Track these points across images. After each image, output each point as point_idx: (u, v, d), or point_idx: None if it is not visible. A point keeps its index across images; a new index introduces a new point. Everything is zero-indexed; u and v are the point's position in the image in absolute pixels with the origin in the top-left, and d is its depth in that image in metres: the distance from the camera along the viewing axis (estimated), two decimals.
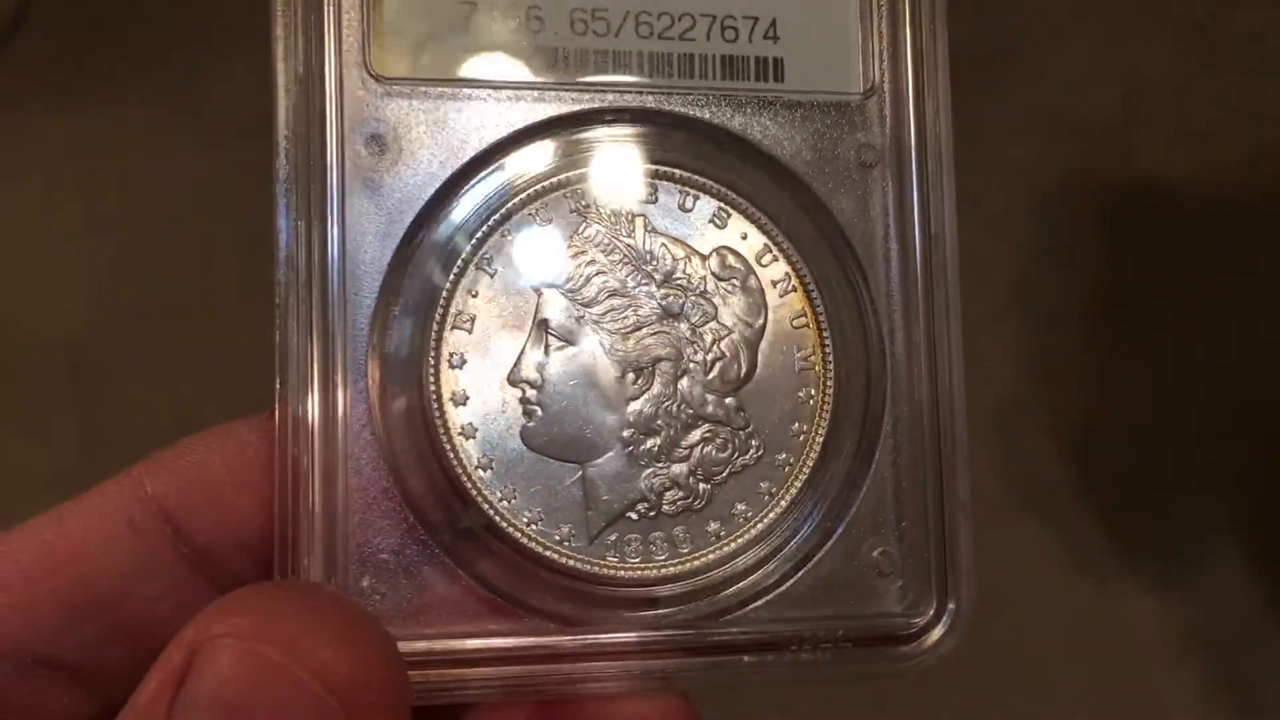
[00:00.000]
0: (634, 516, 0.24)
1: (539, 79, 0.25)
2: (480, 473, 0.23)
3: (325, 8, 0.23)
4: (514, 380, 0.24)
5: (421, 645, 0.23)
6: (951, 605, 0.25)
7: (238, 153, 0.60)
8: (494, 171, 0.24)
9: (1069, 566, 0.77)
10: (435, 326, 0.23)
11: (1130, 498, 0.79)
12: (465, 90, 0.24)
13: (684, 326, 0.24)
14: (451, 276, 0.24)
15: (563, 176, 0.24)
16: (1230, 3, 0.86)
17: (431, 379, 0.23)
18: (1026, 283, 0.81)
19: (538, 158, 0.24)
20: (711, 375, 0.24)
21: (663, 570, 0.24)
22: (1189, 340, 0.81)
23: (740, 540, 0.24)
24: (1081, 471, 0.78)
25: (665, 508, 0.24)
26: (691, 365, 0.24)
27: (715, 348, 0.25)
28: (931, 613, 0.25)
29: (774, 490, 0.25)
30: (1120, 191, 0.82)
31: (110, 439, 0.73)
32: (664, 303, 0.24)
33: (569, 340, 0.24)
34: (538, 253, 0.24)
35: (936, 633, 0.25)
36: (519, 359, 0.24)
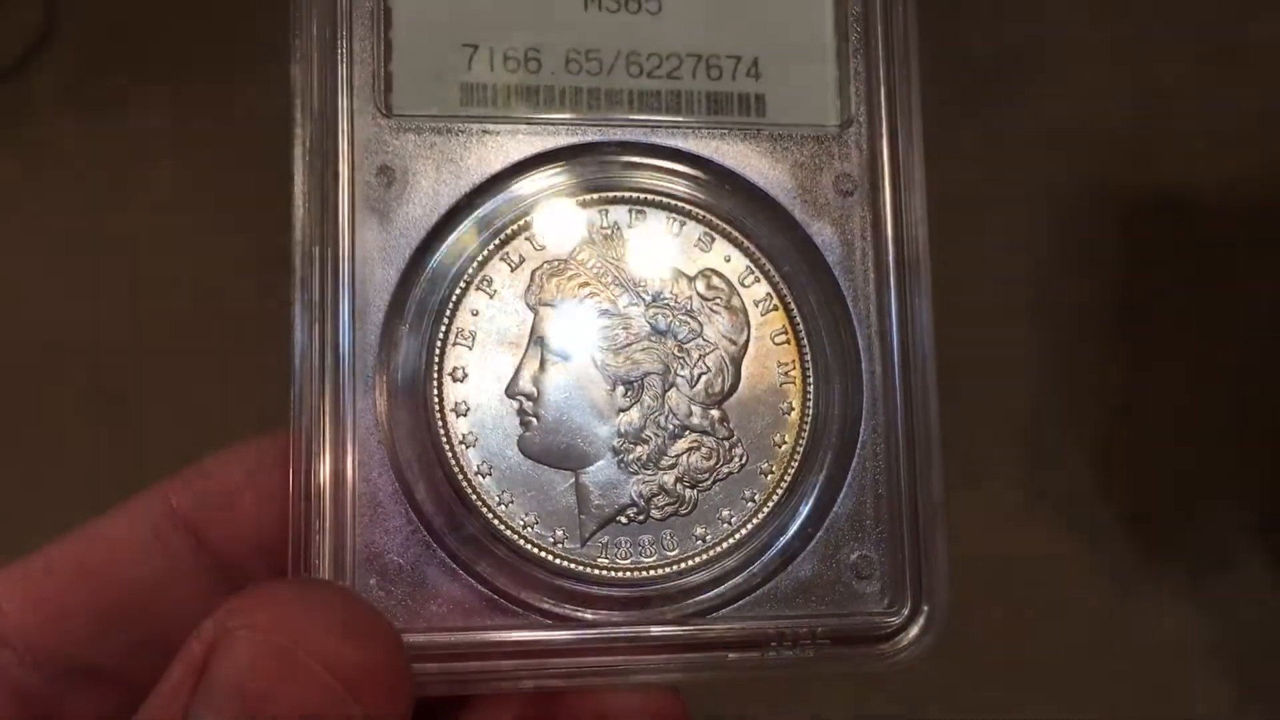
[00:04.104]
0: (624, 521, 0.25)
1: (536, 115, 0.26)
2: (480, 479, 0.25)
3: (339, 50, 0.25)
4: (512, 393, 0.25)
5: (424, 639, 0.24)
6: (927, 605, 0.26)
7: (262, 166, 0.61)
8: (493, 200, 0.26)
9: (1093, 573, 0.76)
10: (439, 343, 0.25)
11: (1154, 504, 0.78)
12: (467, 125, 0.26)
13: (671, 343, 0.26)
14: (454, 296, 0.25)
15: (558, 204, 0.26)
16: (1249, 11, 0.86)
17: (435, 392, 0.25)
18: (1048, 290, 0.81)
19: (534, 187, 0.26)
20: (697, 389, 0.26)
21: (651, 571, 0.25)
22: (1211, 347, 0.81)
23: (725, 544, 0.26)
24: (1105, 478, 0.78)
25: (654, 513, 0.26)
26: (679, 379, 0.26)
27: (701, 363, 0.26)
28: (907, 612, 0.26)
29: (756, 497, 0.26)
30: (1140, 200, 0.82)
31: (136, 450, 0.74)
32: (653, 321, 0.26)
33: (564, 355, 0.26)
34: (534, 275, 0.26)
35: (913, 631, 0.26)
36: (517, 373, 0.25)
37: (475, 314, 0.26)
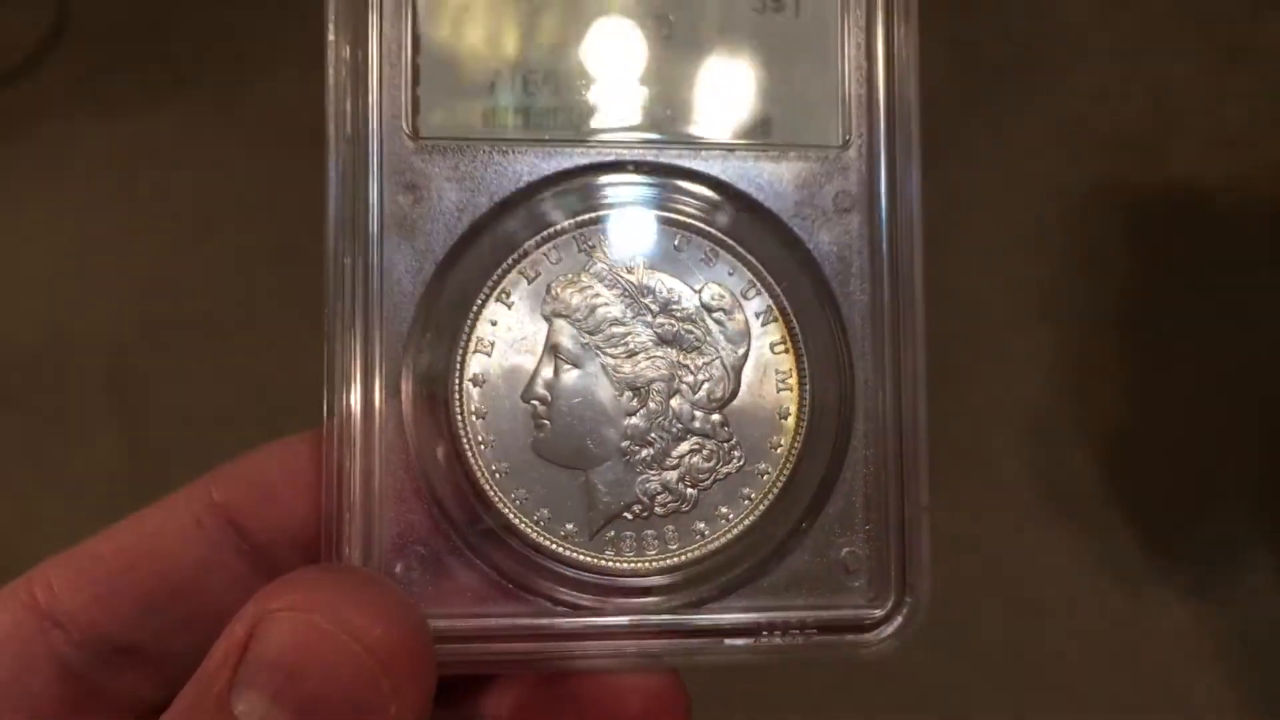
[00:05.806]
0: (629, 517, 0.27)
1: (553, 136, 0.28)
2: (497, 477, 0.27)
3: (370, 76, 0.27)
4: (527, 397, 0.27)
5: (444, 623, 0.26)
6: (910, 599, 0.28)
7: (275, 162, 0.63)
8: (512, 218, 0.28)
9: (1102, 573, 0.76)
10: (460, 350, 0.27)
11: (1163, 504, 0.78)
12: (489, 146, 0.28)
13: (677, 352, 0.28)
14: (475, 307, 0.27)
15: (572, 220, 0.28)
16: (1259, 8, 0.86)
17: (456, 396, 0.27)
18: (1057, 290, 0.81)
19: (551, 204, 0.28)
20: (700, 395, 0.28)
21: (654, 564, 0.27)
22: (1221, 346, 0.80)
23: (723, 539, 0.28)
24: (1114, 478, 0.78)
25: (657, 509, 0.28)
26: (682, 386, 0.28)
27: (704, 370, 0.28)
28: (891, 605, 0.28)
29: (753, 496, 0.28)
30: (1150, 198, 0.82)
31: (151, 443, 0.76)
32: (659, 331, 0.28)
33: (575, 363, 0.28)
34: (549, 287, 0.28)
35: (895, 623, 0.28)
36: (532, 379, 0.27)
37: (494, 324, 0.27)
